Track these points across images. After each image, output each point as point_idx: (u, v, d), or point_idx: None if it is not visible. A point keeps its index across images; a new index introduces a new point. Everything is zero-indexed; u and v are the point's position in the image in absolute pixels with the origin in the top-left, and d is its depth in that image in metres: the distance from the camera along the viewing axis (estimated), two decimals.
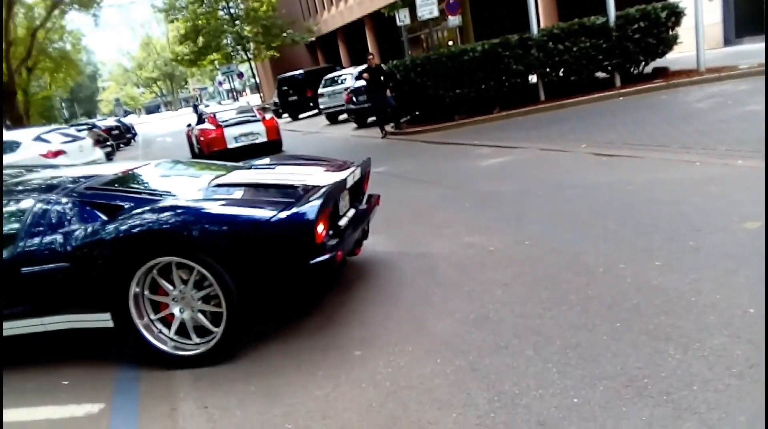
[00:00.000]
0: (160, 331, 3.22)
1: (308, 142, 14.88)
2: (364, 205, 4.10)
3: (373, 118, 13.66)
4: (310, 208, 3.03)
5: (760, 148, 5.40)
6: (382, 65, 12.58)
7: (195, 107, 31.03)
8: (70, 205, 3.33)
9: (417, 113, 13.05)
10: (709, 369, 2.34)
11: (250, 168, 4.24)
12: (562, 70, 11.38)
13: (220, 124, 12.47)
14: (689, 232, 3.77)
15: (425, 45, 26.58)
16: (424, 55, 12.80)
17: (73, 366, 3.48)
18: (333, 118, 18.53)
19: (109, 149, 17.58)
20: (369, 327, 3.29)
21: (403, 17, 15.94)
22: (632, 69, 11.30)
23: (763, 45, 12.66)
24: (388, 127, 12.52)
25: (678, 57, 11.69)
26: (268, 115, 14.56)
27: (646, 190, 4.93)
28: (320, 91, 18.95)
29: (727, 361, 2.37)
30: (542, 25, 15.35)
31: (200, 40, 33.04)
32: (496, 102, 11.53)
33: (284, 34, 33.26)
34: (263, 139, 12.60)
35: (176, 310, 3.18)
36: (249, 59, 34.93)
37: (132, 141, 28.13)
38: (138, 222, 3.07)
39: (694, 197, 4.49)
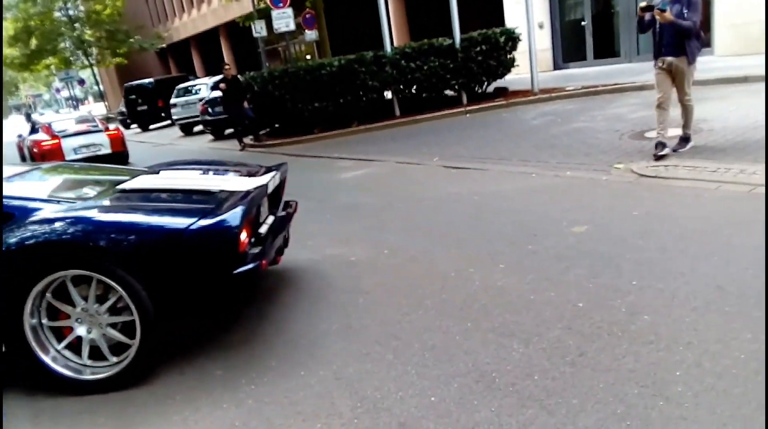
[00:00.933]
0: (56, 349, 2.90)
1: (161, 154, 14.07)
2: (282, 212, 3.93)
3: (231, 130, 13.31)
4: (233, 214, 2.81)
5: (585, 160, 6.12)
6: (239, 76, 12.33)
7: (28, 116, 28.00)
8: None
9: (276, 126, 12.95)
10: (548, 359, 2.60)
11: (156, 172, 3.90)
12: (415, 87, 11.95)
13: (57, 134, 11.38)
14: (527, 237, 4.16)
15: (283, 57, 26.46)
16: (281, 67, 12.73)
17: None
18: (187, 130, 17.75)
19: None
20: (231, 345, 3.21)
21: (259, 29, 15.74)
22: (476, 88, 12.19)
23: (582, 70, 14.37)
24: (247, 140, 12.28)
25: (516, 78, 12.83)
26: (112, 126, 13.57)
27: (491, 200, 5.35)
28: (173, 101, 18.06)
29: (562, 351, 2.65)
30: (395, 43, 16.00)
31: (33, 42, 29.93)
32: (354, 116, 11.80)
33: (131, 40, 31.24)
34: (107, 150, 11.71)
35: (82, 330, 2.88)
36: (92, 65, 32.29)
37: None
38: (33, 232, 2.73)
39: (531, 205, 4.97)
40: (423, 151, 8.32)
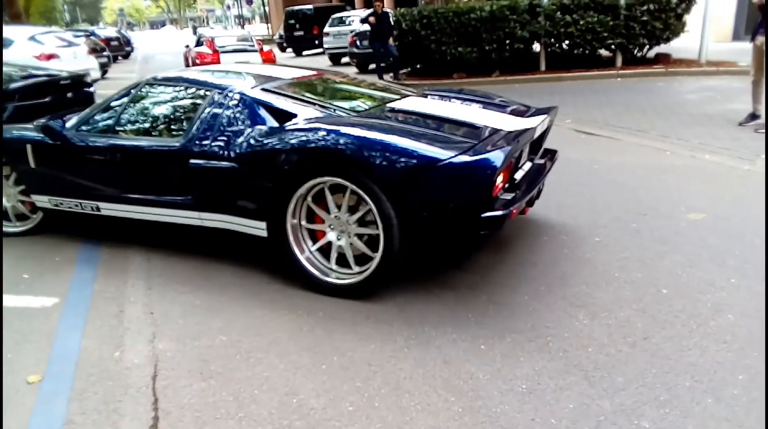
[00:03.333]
0: (309, 250, 3.14)
1: None
2: (541, 160, 3.72)
3: (374, 65, 13.57)
4: (494, 156, 2.61)
5: (732, 145, 5.56)
6: (389, 12, 12.41)
7: (194, 29, 30.39)
8: (244, 104, 3.28)
9: (418, 66, 12.98)
10: (608, 336, 2.56)
11: (425, 96, 3.94)
12: (567, 42, 11.30)
13: (217, 49, 12.37)
14: (635, 216, 3.96)
15: None
16: (431, 7, 12.60)
17: (34, 262, 3.69)
18: (336, 60, 18.30)
19: (104, 60, 17.34)
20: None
21: None
22: (636, 51, 11.26)
23: None
24: (387, 77, 12.47)
25: (684, 45, 11.63)
26: (266, 47, 14.40)
27: (611, 171, 5.09)
28: (326, 29, 18.61)
29: (626, 331, 2.59)
30: None
31: None
32: (496, 65, 11.50)
33: None
34: None
35: (332, 236, 3.06)
36: None
37: (130, 55, 27.67)
38: (311, 136, 2.88)
39: (653, 184, 4.67)
40: (558, 111, 7.96)
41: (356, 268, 3.04)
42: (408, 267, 3.06)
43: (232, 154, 3.12)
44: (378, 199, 2.76)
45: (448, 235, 2.82)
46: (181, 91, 3.70)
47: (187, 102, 3.59)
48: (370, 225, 2.95)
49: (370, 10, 13.42)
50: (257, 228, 3.14)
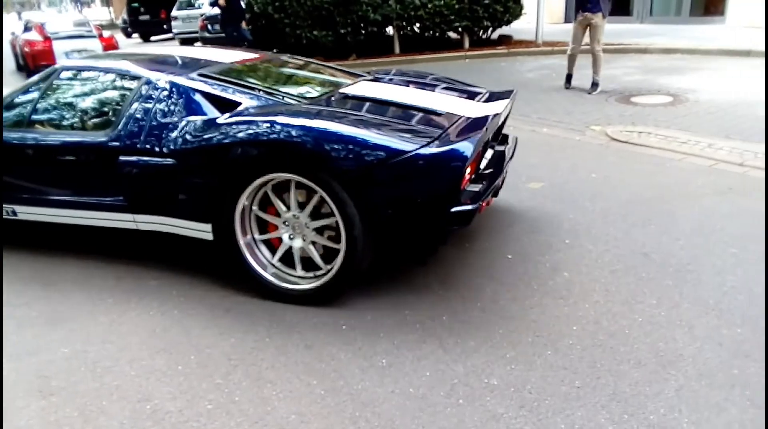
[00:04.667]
0: (262, 254, 2.84)
1: None
2: (501, 147, 3.47)
3: None
4: (463, 146, 2.40)
5: (565, 119, 6.09)
6: None
7: (19, 13, 27.32)
8: (179, 92, 2.94)
9: (275, 51, 12.70)
10: (461, 304, 2.71)
11: (375, 80, 3.66)
12: (418, 25, 11.67)
13: (49, 35, 11.18)
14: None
15: None
16: None
17: None
18: (187, 45, 17.40)
19: None
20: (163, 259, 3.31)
21: None
22: (481, 33, 11.92)
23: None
24: None
25: (524, 27, 12.51)
26: (107, 33, 13.29)
27: None
28: (174, 12, 17.63)
29: (477, 297, 2.76)
30: None
31: None
32: (353, 49, 11.58)
33: None
34: None
35: (285, 236, 2.77)
36: None
37: None
38: (260, 128, 2.57)
39: None
40: None
41: (315, 272, 2.78)
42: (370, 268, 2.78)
43: (168, 150, 2.80)
44: (338, 198, 2.48)
45: (413, 233, 2.57)
46: (105, 79, 3.32)
47: (113, 91, 3.25)
48: (326, 230, 2.73)
49: None
50: (201, 230, 2.83)
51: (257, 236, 2.82)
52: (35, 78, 3.59)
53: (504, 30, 12.16)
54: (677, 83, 7.40)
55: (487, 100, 3.30)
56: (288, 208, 2.69)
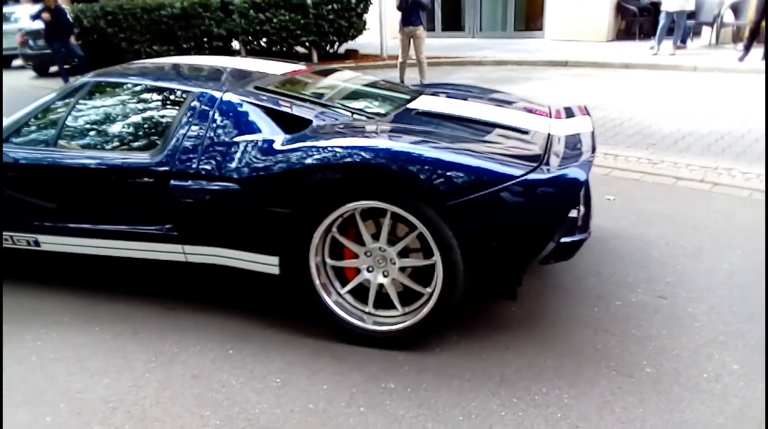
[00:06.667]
0: (339, 293, 2.48)
1: None
2: None
3: (57, 68, 11.90)
4: (576, 170, 2.14)
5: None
6: (64, 7, 11.00)
7: None
8: (239, 108, 2.58)
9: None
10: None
11: (433, 94, 3.27)
12: (264, 39, 11.58)
13: None
14: None
15: None
16: (116, 3, 11.57)
17: None
18: (6, 63, 15.56)
19: None
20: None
21: None
22: (327, 47, 12.13)
23: (431, 41, 14.86)
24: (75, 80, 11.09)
25: (369, 42, 12.93)
26: None
27: None
28: None
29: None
30: None
31: None
32: None
33: None
34: None
35: (363, 268, 2.43)
36: None
37: None
38: (347, 151, 2.20)
39: None
40: None
41: (402, 310, 2.44)
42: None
43: (230, 173, 2.43)
44: (442, 238, 2.18)
45: (510, 267, 2.28)
46: (144, 94, 2.93)
47: (155, 108, 2.85)
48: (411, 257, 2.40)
49: (40, 6, 11.69)
50: (266, 263, 2.47)
51: (329, 261, 2.47)
52: (60, 92, 3.11)
53: (350, 44, 12.49)
54: (512, 91, 8.12)
55: (563, 117, 3.01)
56: (377, 239, 2.37)
